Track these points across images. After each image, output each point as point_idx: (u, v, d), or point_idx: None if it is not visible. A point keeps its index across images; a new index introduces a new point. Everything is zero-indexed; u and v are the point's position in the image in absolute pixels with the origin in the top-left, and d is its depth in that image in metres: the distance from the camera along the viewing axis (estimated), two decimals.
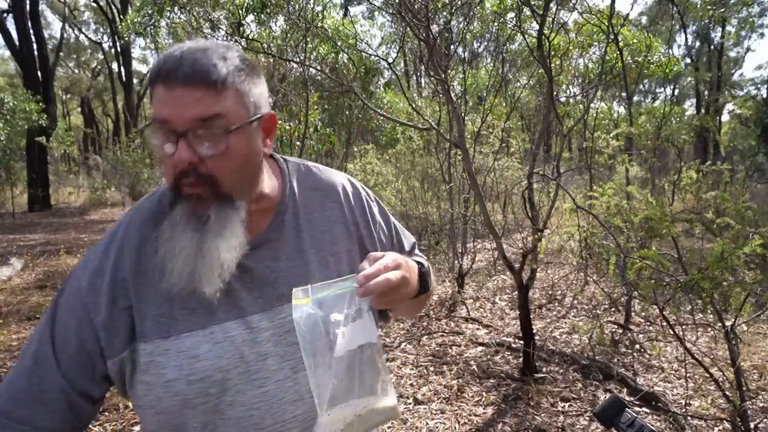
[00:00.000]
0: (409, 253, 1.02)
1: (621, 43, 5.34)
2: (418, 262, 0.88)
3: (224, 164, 0.72)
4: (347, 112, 8.97)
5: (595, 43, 6.31)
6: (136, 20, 6.50)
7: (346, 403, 0.71)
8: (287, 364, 0.79)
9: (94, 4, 26.45)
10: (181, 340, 0.75)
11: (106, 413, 2.95)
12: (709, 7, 7.39)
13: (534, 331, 3.43)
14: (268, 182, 0.84)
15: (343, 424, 0.71)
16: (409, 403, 3.05)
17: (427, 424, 2.82)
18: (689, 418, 2.75)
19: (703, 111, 19.87)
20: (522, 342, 3.45)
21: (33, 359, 0.76)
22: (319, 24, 5.87)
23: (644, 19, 19.69)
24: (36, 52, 14.79)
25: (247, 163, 0.75)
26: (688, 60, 22.56)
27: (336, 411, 0.70)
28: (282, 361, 0.79)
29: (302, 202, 0.88)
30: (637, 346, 3.80)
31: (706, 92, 21.77)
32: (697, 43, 22.97)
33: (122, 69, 23.79)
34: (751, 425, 2.25)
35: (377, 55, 6.94)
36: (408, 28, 3.99)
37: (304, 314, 0.69)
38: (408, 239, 1.05)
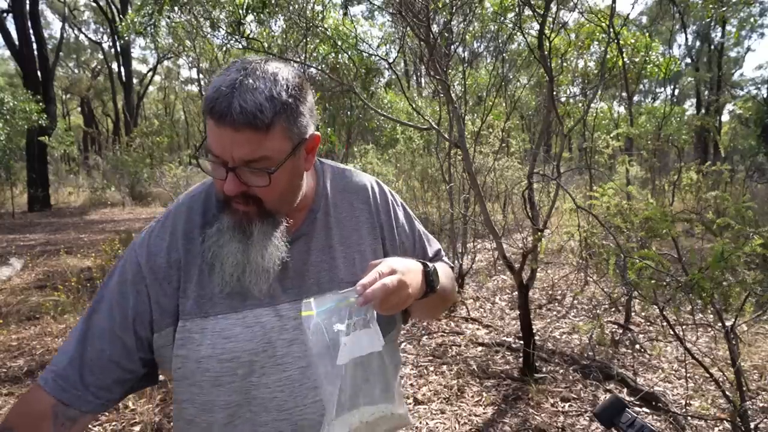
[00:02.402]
0: (431, 260, 1.03)
1: (621, 42, 5.34)
2: (423, 263, 0.88)
3: (269, 192, 0.80)
4: (348, 112, 8.97)
5: (595, 43, 6.31)
6: (135, 20, 6.49)
7: (352, 411, 0.72)
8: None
9: (94, 4, 26.47)
10: (216, 320, 0.83)
11: (106, 413, 2.95)
12: (710, 6, 7.39)
13: (534, 331, 3.43)
14: (306, 184, 0.91)
15: (349, 429, 0.72)
16: (409, 403, 3.05)
17: (427, 424, 2.82)
18: (689, 418, 2.75)
19: (703, 111, 19.87)
20: (522, 342, 3.45)
21: (88, 328, 0.84)
22: (320, 24, 5.87)
23: (644, 19, 19.70)
24: (36, 52, 14.78)
25: (290, 186, 0.84)
26: (688, 60, 22.57)
27: (342, 418, 0.72)
28: (305, 349, 0.84)
29: (333, 202, 0.95)
30: (637, 346, 3.80)
31: (706, 92, 21.77)
32: (697, 43, 22.98)
33: (122, 69, 23.81)
34: (751, 425, 2.25)
35: (377, 55, 6.94)
36: (408, 28, 3.99)
37: (311, 324, 0.72)
38: (433, 246, 1.07)
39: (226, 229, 0.81)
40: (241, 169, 0.77)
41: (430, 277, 0.86)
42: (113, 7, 23.45)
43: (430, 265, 0.89)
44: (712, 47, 20.99)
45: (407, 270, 0.79)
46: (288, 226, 0.86)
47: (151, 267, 0.84)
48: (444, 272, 0.97)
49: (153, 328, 0.84)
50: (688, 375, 3.17)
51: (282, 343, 0.84)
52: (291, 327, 0.85)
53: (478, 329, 4.28)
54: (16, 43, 14.41)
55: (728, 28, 19.28)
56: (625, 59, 5.65)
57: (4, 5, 20.54)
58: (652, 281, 2.37)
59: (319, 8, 6.07)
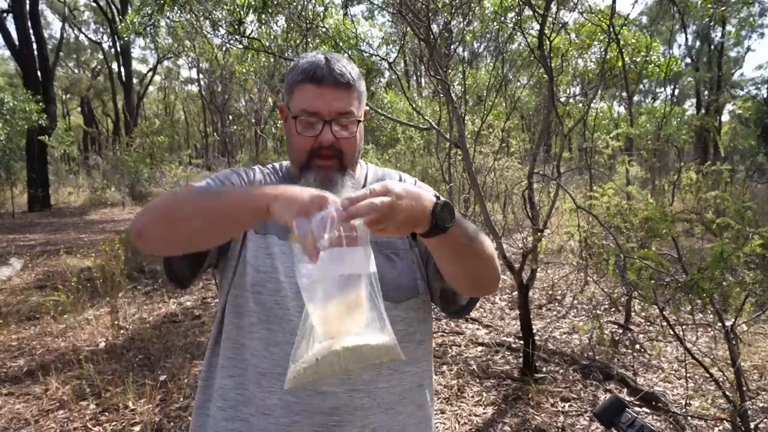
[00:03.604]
0: None
1: (621, 42, 5.34)
2: (437, 197, 0.82)
3: (350, 144, 0.99)
4: None
5: (596, 43, 6.31)
6: (135, 20, 6.49)
7: (333, 331, 0.70)
8: None
9: (94, 4, 26.47)
10: (266, 238, 0.99)
11: (106, 413, 2.95)
12: (710, 6, 7.38)
13: (534, 331, 3.43)
14: (357, 169, 1.08)
15: (327, 351, 0.69)
16: None
17: None
18: (689, 418, 2.75)
19: (703, 111, 19.88)
20: (522, 342, 3.45)
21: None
22: (320, 24, 5.87)
23: (644, 19, 19.70)
24: (36, 52, 14.78)
25: (360, 144, 1.04)
26: (688, 60, 22.57)
27: (320, 332, 0.69)
28: None
29: (370, 184, 1.06)
30: (637, 346, 3.80)
31: (706, 92, 21.77)
32: (697, 43, 22.98)
33: (122, 69, 23.81)
34: (751, 425, 2.25)
35: (378, 55, 6.95)
36: (408, 28, 3.99)
37: (295, 249, 0.70)
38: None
39: (311, 183, 0.94)
40: (335, 122, 0.96)
41: (438, 211, 0.78)
42: (113, 7, 23.46)
43: (445, 200, 0.81)
44: (712, 47, 21.00)
45: (407, 195, 0.75)
46: None
47: (241, 176, 1.04)
48: (473, 228, 0.90)
49: None
50: (688, 375, 3.17)
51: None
52: None
53: (478, 329, 4.28)
54: (16, 43, 14.41)
55: (728, 28, 19.28)
56: (626, 59, 5.65)
57: (4, 5, 20.55)
58: (652, 281, 2.37)
59: (319, 8, 6.07)
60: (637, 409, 2.84)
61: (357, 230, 0.70)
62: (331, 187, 0.95)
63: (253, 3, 5.34)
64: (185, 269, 1.00)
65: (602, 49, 6.03)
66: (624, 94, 10.20)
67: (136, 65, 31.09)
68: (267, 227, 0.99)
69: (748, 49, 30.72)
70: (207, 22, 6.24)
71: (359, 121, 1.00)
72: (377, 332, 0.72)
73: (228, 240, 0.99)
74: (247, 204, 0.80)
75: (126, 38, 16.93)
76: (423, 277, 1.03)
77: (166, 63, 31.46)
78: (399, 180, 1.11)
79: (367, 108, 1.06)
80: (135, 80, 26.56)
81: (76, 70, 33.88)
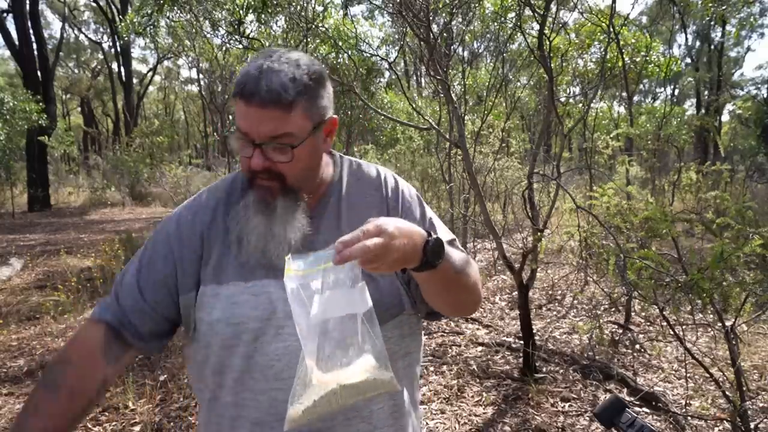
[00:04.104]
0: None
1: (621, 42, 5.34)
2: (428, 233, 0.82)
3: (291, 168, 0.88)
4: (348, 112, 8.97)
5: (595, 43, 6.31)
6: (135, 20, 6.49)
7: (330, 372, 0.70)
8: None
9: (94, 4, 26.48)
10: (228, 287, 0.91)
11: (106, 413, 2.95)
12: (710, 6, 7.38)
13: (534, 331, 3.43)
14: (325, 171, 0.99)
15: (324, 391, 0.70)
16: None
17: (427, 424, 2.82)
18: (689, 418, 2.75)
19: (703, 111, 19.87)
20: (522, 342, 3.45)
21: (124, 286, 0.97)
22: (320, 24, 5.87)
23: (644, 19, 19.70)
24: (36, 52, 14.77)
25: (310, 164, 0.92)
26: (688, 60, 22.57)
27: (319, 376, 0.69)
28: None
29: (347, 190, 1.01)
30: (637, 346, 3.80)
31: (706, 92, 21.77)
32: (697, 43, 22.98)
33: (122, 69, 23.83)
34: (751, 425, 2.25)
35: (378, 55, 6.95)
36: (408, 28, 3.99)
37: (290, 281, 0.71)
38: (444, 235, 1.02)
39: (251, 204, 0.89)
40: (267, 145, 0.85)
41: (429, 247, 0.79)
42: (113, 7, 23.46)
43: (436, 236, 0.82)
44: (712, 47, 21.00)
45: (400, 234, 0.75)
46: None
47: (179, 237, 0.96)
48: (460, 256, 0.91)
49: (178, 291, 0.95)
50: (688, 375, 3.17)
51: (284, 315, 0.88)
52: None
53: (478, 329, 4.28)
54: (16, 43, 14.41)
55: (728, 28, 19.27)
56: (625, 59, 5.65)
57: (4, 5, 20.55)
58: (652, 281, 2.37)
59: (319, 8, 6.07)
60: (637, 409, 2.84)
61: (350, 271, 0.71)
62: (269, 212, 0.88)
63: (252, 3, 5.34)
64: (153, 343, 0.98)
65: (602, 49, 6.03)
66: (624, 94, 10.21)
67: (136, 65, 31.15)
68: (221, 278, 0.92)
69: (748, 49, 30.75)
70: (207, 22, 6.24)
71: (293, 146, 0.85)
72: (373, 367, 0.73)
73: None
74: None
75: (126, 38, 16.93)
76: (407, 292, 0.98)
77: (166, 63, 31.49)
78: (377, 175, 1.05)
79: (334, 117, 0.93)
80: (135, 80, 26.57)
81: (76, 70, 33.89)
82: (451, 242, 1.02)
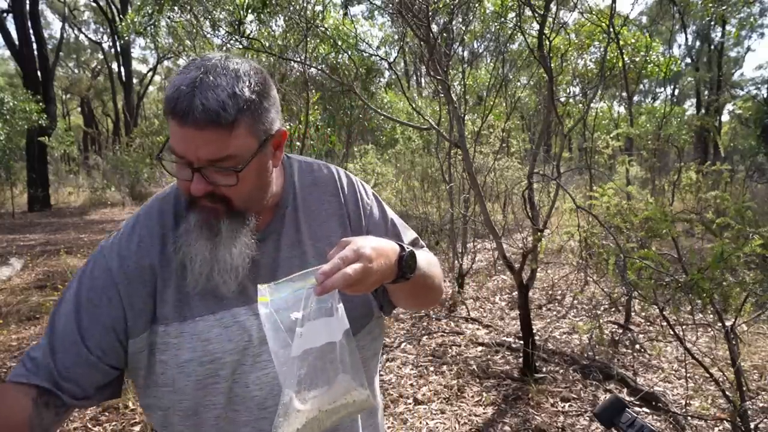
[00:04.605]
0: None
1: (621, 42, 5.34)
2: (401, 246, 0.82)
3: (236, 191, 0.79)
4: (348, 112, 8.97)
5: (595, 43, 6.31)
6: (135, 20, 6.49)
7: (311, 399, 0.71)
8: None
9: (94, 4, 26.46)
10: (195, 323, 0.82)
11: (107, 413, 2.95)
12: (710, 6, 7.38)
13: (534, 331, 3.43)
14: (276, 183, 0.89)
15: (306, 419, 0.71)
16: (409, 403, 3.05)
17: (427, 424, 2.82)
18: (689, 418, 2.75)
19: (703, 111, 19.87)
20: (522, 342, 3.45)
21: (58, 335, 0.80)
22: (320, 24, 5.87)
23: (644, 19, 19.69)
24: (36, 52, 14.76)
25: (258, 183, 0.82)
26: (688, 60, 22.56)
27: (299, 406, 0.70)
28: None
29: (302, 196, 0.94)
30: (637, 346, 3.80)
31: (706, 92, 21.76)
32: (697, 43, 22.97)
33: (122, 69, 23.82)
34: (751, 425, 2.25)
35: (378, 55, 6.95)
36: (408, 28, 3.99)
37: (266, 313, 0.70)
38: (407, 235, 1.03)
39: (193, 228, 0.80)
40: (207, 168, 0.75)
41: (403, 262, 0.80)
42: (113, 7, 23.45)
43: (408, 248, 0.82)
44: (712, 47, 20.99)
45: (377, 254, 0.74)
46: (257, 223, 0.85)
47: (124, 271, 0.82)
48: (426, 259, 0.92)
49: (128, 335, 0.82)
50: (688, 375, 3.17)
51: (260, 342, 0.83)
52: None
53: (478, 329, 4.28)
54: (16, 43, 14.40)
55: (728, 28, 19.27)
56: (625, 59, 5.65)
57: (4, 5, 20.55)
58: (652, 281, 2.37)
59: (319, 8, 6.07)
60: (637, 409, 2.84)
61: (330, 297, 0.71)
62: (213, 236, 0.79)
63: (252, 3, 5.34)
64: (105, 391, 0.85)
65: (602, 49, 6.03)
66: (624, 94, 10.20)
67: (136, 65, 31.15)
68: (185, 314, 0.82)
69: (748, 49, 30.72)
70: (207, 22, 6.24)
71: (238, 170, 0.76)
72: (352, 387, 0.74)
73: None
74: None
75: (126, 38, 16.92)
76: (375, 298, 0.96)
77: (166, 63, 31.44)
78: (331, 177, 0.98)
79: (283, 129, 0.84)
80: (135, 80, 26.56)
81: (76, 70, 33.87)
82: (414, 242, 1.03)
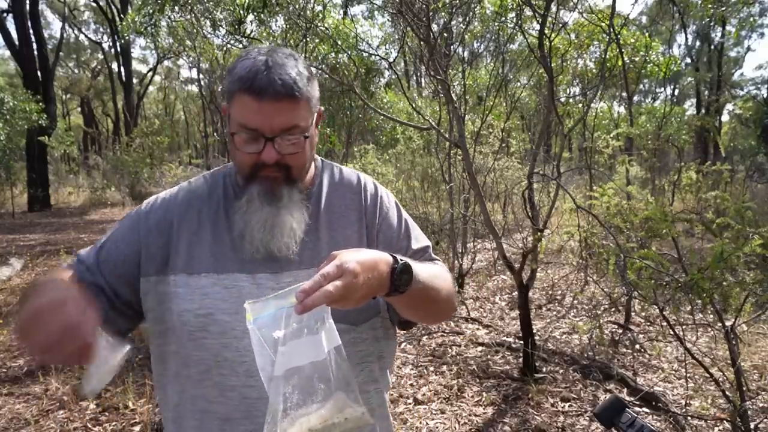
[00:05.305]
0: (414, 255, 0.99)
1: (621, 42, 5.33)
2: (395, 259, 0.81)
3: (297, 159, 0.90)
4: (348, 112, 8.96)
5: (595, 43, 6.31)
6: (136, 20, 6.49)
7: (300, 419, 0.69)
8: None
9: (94, 4, 26.47)
10: (199, 278, 0.91)
11: (106, 413, 2.95)
12: (710, 6, 7.38)
13: (534, 331, 3.43)
14: (310, 172, 1.00)
15: None
16: (409, 403, 3.05)
17: (427, 424, 2.82)
18: (689, 418, 2.75)
19: (703, 111, 19.87)
20: (522, 342, 3.45)
21: (82, 263, 0.95)
22: (320, 24, 5.87)
23: (644, 19, 19.70)
24: (36, 52, 14.77)
25: (311, 155, 0.96)
26: (688, 60, 22.56)
27: (286, 426, 0.68)
28: None
29: (327, 192, 1.02)
30: (637, 346, 3.80)
31: (706, 92, 21.76)
32: (697, 43, 22.97)
33: (122, 69, 23.81)
34: (751, 425, 2.25)
35: (378, 55, 6.95)
36: (408, 28, 3.99)
37: (251, 329, 0.70)
38: (420, 242, 1.03)
39: (255, 197, 0.89)
40: (278, 138, 0.86)
41: (395, 276, 0.79)
42: (113, 7, 23.45)
43: (403, 261, 0.81)
44: (712, 47, 20.98)
45: (363, 268, 0.73)
46: None
47: (149, 219, 0.96)
48: (430, 272, 0.91)
49: (140, 272, 0.93)
50: (688, 375, 3.17)
51: None
52: (266, 295, 0.86)
53: (478, 329, 4.28)
54: (16, 43, 14.41)
55: (728, 28, 19.26)
56: (625, 59, 5.65)
57: (4, 5, 20.54)
58: (652, 281, 2.37)
59: (319, 8, 6.07)
60: (637, 409, 2.84)
61: (315, 314, 0.70)
62: (276, 201, 0.89)
63: (252, 3, 5.34)
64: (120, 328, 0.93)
65: (602, 49, 6.03)
66: (624, 94, 10.21)
67: (136, 65, 31.08)
68: (192, 268, 0.91)
69: (748, 49, 30.72)
70: (207, 22, 6.24)
71: (306, 136, 0.89)
72: (345, 405, 0.72)
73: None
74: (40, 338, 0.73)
75: (126, 38, 16.93)
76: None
77: (166, 63, 31.48)
78: (357, 182, 1.04)
79: (321, 109, 0.97)
80: (135, 80, 26.56)
81: (76, 70, 33.88)
82: (423, 251, 1.03)
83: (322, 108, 0.98)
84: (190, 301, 0.89)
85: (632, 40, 5.92)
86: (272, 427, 0.69)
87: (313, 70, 0.95)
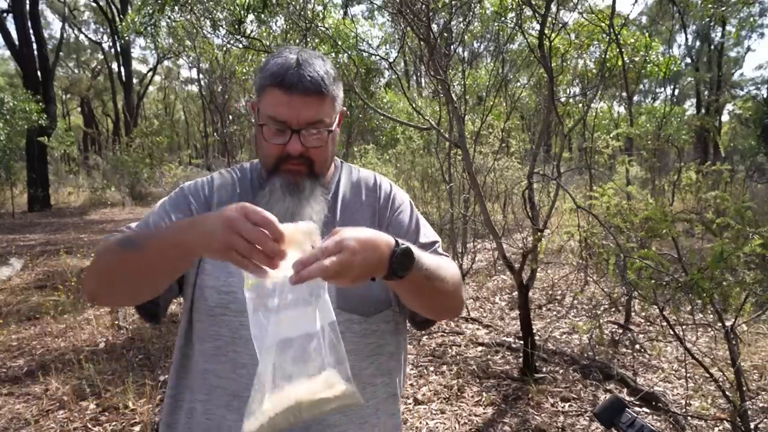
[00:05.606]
0: (421, 247, 0.96)
1: (621, 42, 5.33)
2: (397, 242, 0.80)
3: (321, 153, 0.95)
4: (347, 112, 8.95)
5: (595, 43, 6.31)
6: (136, 20, 6.49)
7: (288, 389, 0.70)
8: None
9: (94, 4, 26.47)
10: None
11: (106, 413, 2.95)
12: (710, 6, 7.38)
13: (534, 331, 3.43)
14: (330, 170, 1.05)
15: (281, 408, 0.69)
16: (409, 403, 3.05)
17: (427, 424, 2.82)
18: (689, 418, 2.75)
19: (703, 111, 19.87)
20: (522, 342, 3.45)
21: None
22: (320, 24, 5.87)
23: (644, 19, 19.69)
24: (36, 52, 14.76)
25: (333, 150, 1.00)
26: (688, 60, 22.56)
27: (277, 396, 0.69)
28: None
29: (344, 189, 1.07)
30: (637, 346, 3.80)
31: (706, 92, 21.76)
32: (697, 43, 22.97)
33: (122, 69, 23.81)
34: (751, 425, 2.25)
35: (378, 55, 6.95)
36: (408, 28, 3.99)
37: (249, 297, 0.71)
38: (429, 237, 1.05)
39: (278, 188, 0.93)
40: (304, 131, 0.91)
41: (395, 258, 0.78)
42: (113, 7, 23.45)
43: (404, 245, 0.80)
44: (712, 47, 20.98)
45: (362, 247, 0.73)
46: None
47: (198, 195, 1.02)
48: (435, 261, 0.91)
49: None
50: (688, 375, 3.17)
51: None
52: None
53: (478, 329, 4.28)
54: (16, 43, 14.40)
55: (728, 28, 19.26)
56: (625, 59, 5.65)
57: (4, 5, 20.54)
58: (652, 281, 2.37)
59: (319, 8, 6.07)
60: (637, 409, 2.84)
61: (310, 287, 0.71)
62: (299, 193, 0.93)
63: (252, 3, 5.34)
64: (155, 307, 0.98)
65: (602, 49, 6.03)
66: (624, 94, 10.20)
67: (136, 65, 31.09)
68: None
69: (748, 49, 30.71)
70: (207, 22, 6.24)
71: (330, 131, 0.95)
72: (335, 382, 0.72)
73: (176, 278, 0.93)
74: (168, 252, 0.78)
75: (126, 38, 16.92)
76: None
77: (166, 63, 31.50)
78: (374, 181, 1.10)
79: (344, 109, 1.01)
80: (135, 80, 26.56)
81: (76, 70, 33.87)
82: (432, 244, 1.04)
83: (345, 108, 1.02)
84: (216, 279, 0.94)
85: (632, 40, 5.92)
86: (260, 395, 0.69)
87: (338, 73, 0.98)
